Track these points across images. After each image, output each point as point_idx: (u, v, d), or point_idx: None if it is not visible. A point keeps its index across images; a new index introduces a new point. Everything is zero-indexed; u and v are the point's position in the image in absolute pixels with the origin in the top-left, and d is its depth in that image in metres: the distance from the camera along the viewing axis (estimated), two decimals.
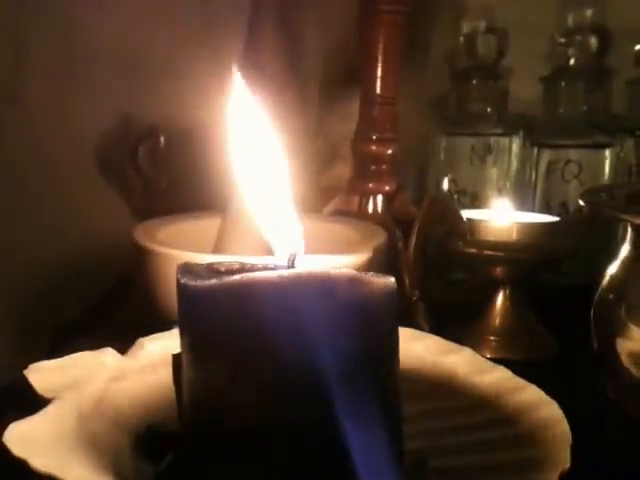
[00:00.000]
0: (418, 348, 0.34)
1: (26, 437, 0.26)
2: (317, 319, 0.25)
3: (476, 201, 0.69)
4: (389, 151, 0.61)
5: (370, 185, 0.61)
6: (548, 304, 0.57)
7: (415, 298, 0.54)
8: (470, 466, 0.29)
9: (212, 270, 0.27)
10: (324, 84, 0.69)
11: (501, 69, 0.72)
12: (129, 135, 0.73)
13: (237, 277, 0.25)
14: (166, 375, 0.30)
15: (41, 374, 0.31)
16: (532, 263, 0.55)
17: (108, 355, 0.34)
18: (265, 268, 0.27)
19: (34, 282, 0.71)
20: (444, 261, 0.59)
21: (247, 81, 0.29)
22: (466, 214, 0.56)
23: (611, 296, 0.42)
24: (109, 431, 0.29)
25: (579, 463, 0.27)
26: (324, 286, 0.25)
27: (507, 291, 0.55)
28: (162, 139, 0.71)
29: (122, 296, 0.64)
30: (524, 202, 0.63)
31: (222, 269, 0.27)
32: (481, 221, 0.55)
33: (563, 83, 0.69)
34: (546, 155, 0.68)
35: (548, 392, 0.31)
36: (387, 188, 0.61)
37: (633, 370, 0.40)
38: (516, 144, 0.70)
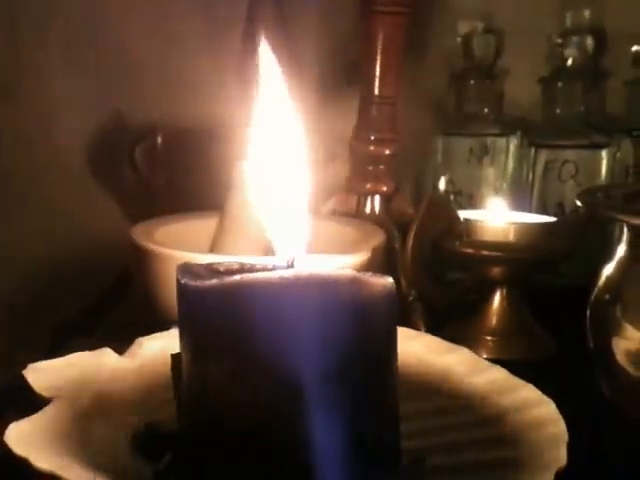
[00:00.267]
0: (415, 348, 0.35)
1: (27, 436, 0.26)
2: (317, 319, 0.25)
3: (473, 201, 0.69)
4: (387, 151, 0.61)
5: (368, 185, 0.61)
6: (545, 304, 0.57)
7: (412, 298, 0.54)
8: (466, 464, 0.29)
9: (212, 270, 0.27)
10: (323, 84, 0.69)
11: (498, 70, 0.72)
12: (126, 134, 0.73)
13: (237, 277, 0.25)
14: (164, 375, 0.30)
15: (40, 374, 0.31)
16: (529, 263, 0.55)
17: (106, 355, 0.34)
18: (264, 268, 0.27)
19: (33, 282, 0.71)
20: (441, 261, 0.59)
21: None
22: (463, 214, 0.56)
23: (607, 296, 0.42)
24: (108, 431, 0.29)
25: (575, 462, 0.27)
26: (324, 286, 0.25)
27: (504, 291, 0.55)
28: (159, 138, 0.71)
29: (120, 296, 0.64)
30: (521, 202, 0.63)
31: (222, 269, 0.27)
32: (478, 221, 0.55)
33: (560, 84, 0.69)
34: (543, 155, 0.68)
35: (545, 392, 0.31)
36: (385, 188, 0.61)
37: (629, 369, 0.40)
38: (513, 144, 0.70)
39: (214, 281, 0.25)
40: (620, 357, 0.40)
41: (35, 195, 0.74)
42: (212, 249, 0.53)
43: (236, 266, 0.27)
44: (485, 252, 0.54)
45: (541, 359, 0.53)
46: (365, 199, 0.62)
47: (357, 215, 0.60)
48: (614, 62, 0.70)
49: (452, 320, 0.55)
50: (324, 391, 0.25)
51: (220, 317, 0.25)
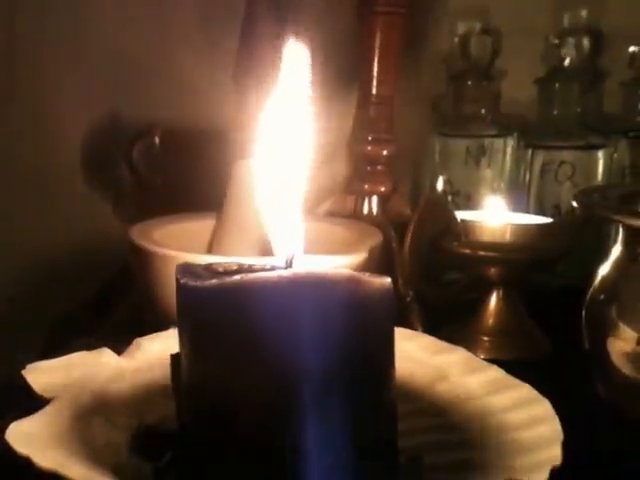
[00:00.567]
0: (412, 348, 0.35)
1: (28, 435, 0.26)
2: (315, 319, 0.25)
3: (470, 202, 0.69)
4: (385, 152, 0.61)
5: (366, 186, 0.62)
6: (542, 304, 0.57)
7: (409, 298, 0.55)
8: (461, 463, 0.29)
9: (211, 270, 0.27)
10: (321, 84, 0.69)
11: (496, 70, 0.72)
12: (124, 135, 0.73)
13: (236, 278, 0.25)
14: (163, 375, 0.30)
15: (39, 374, 0.32)
16: (526, 264, 0.55)
17: (105, 355, 0.34)
18: (263, 269, 0.27)
19: (31, 282, 0.71)
20: (438, 262, 0.59)
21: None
22: (460, 215, 0.57)
23: (602, 296, 0.42)
24: (107, 430, 0.30)
25: (571, 461, 0.27)
26: (322, 287, 0.25)
27: (501, 291, 0.55)
28: (157, 139, 0.71)
29: (118, 295, 0.64)
30: (518, 203, 0.63)
31: (220, 269, 0.27)
32: (475, 222, 0.56)
33: (557, 84, 0.69)
34: (540, 156, 0.68)
35: (541, 391, 0.32)
36: (383, 189, 0.62)
37: (624, 370, 0.40)
38: (510, 145, 0.70)
39: (213, 281, 0.26)
40: (615, 357, 0.40)
41: (30, 195, 0.74)
42: (210, 249, 0.54)
43: (235, 266, 0.28)
44: (482, 252, 0.54)
45: (537, 359, 0.53)
46: (363, 199, 0.62)
47: (355, 215, 0.60)
48: (611, 63, 0.71)
49: (449, 320, 0.56)
50: (322, 390, 0.25)
51: (219, 317, 0.26)
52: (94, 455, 0.27)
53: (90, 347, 0.34)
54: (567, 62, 0.69)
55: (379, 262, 0.50)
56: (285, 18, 0.59)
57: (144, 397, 0.32)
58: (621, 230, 0.42)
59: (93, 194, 0.75)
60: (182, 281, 0.26)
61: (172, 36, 0.73)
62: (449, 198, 0.70)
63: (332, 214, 0.61)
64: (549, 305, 0.58)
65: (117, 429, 0.30)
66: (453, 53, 0.72)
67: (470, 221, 0.56)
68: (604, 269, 0.42)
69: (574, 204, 0.43)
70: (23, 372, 0.32)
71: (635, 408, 0.41)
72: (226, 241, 0.53)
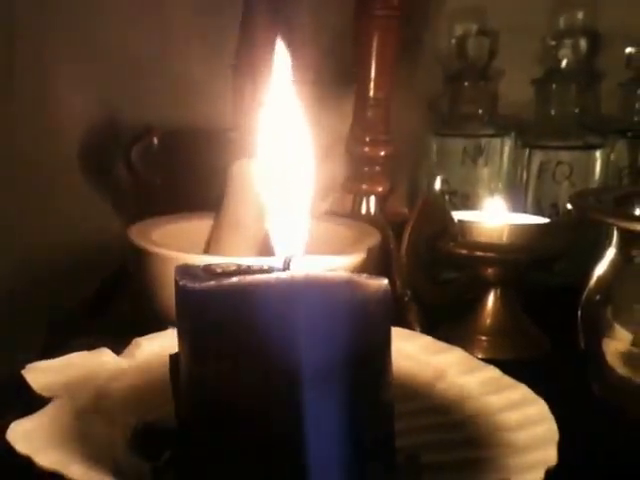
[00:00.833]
0: (409, 348, 0.35)
1: (28, 435, 0.26)
2: (313, 320, 0.26)
3: (468, 202, 0.69)
4: (382, 153, 0.61)
5: (363, 186, 0.62)
6: (539, 304, 0.57)
7: (407, 298, 0.55)
8: (457, 462, 0.29)
9: (209, 271, 0.27)
10: (318, 85, 0.69)
11: (492, 71, 0.72)
12: (123, 135, 0.73)
13: (235, 279, 0.25)
14: (162, 375, 0.30)
15: (39, 374, 0.32)
16: (523, 264, 0.55)
17: (104, 355, 0.34)
18: (261, 270, 0.27)
19: (31, 282, 0.71)
20: (436, 262, 0.59)
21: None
22: (458, 215, 0.57)
23: (598, 297, 0.42)
24: (107, 430, 0.30)
25: (566, 461, 0.27)
26: (320, 288, 0.26)
27: (498, 291, 0.55)
28: (155, 139, 0.71)
29: (117, 295, 0.64)
30: (515, 203, 0.63)
31: (219, 270, 0.27)
32: (473, 222, 0.56)
33: (554, 85, 0.69)
34: (537, 156, 0.68)
35: (538, 391, 0.32)
36: (380, 189, 0.62)
37: (619, 370, 0.40)
38: (508, 145, 0.71)
39: (212, 283, 0.26)
40: (610, 358, 0.41)
41: (29, 195, 0.74)
42: (208, 249, 0.54)
43: (233, 267, 0.28)
44: (479, 253, 0.54)
45: (535, 359, 0.53)
46: (360, 199, 0.62)
47: (352, 215, 0.60)
48: (608, 63, 0.71)
49: (447, 320, 0.56)
50: (321, 391, 0.26)
51: (218, 318, 0.26)
52: (94, 454, 0.27)
53: (90, 347, 0.34)
54: (564, 63, 0.69)
55: (377, 262, 0.50)
56: (283, 21, 0.59)
57: (143, 397, 0.32)
58: (615, 232, 0.42)
59: (92, 194, 0.76)
60: (181, 283, 0.26)
61: (171, 37, 0.73)
62: (446, 198, 0.70)
63: (330, 214, 0.61)
64: (546, 305, 0.58)
65: (116, 428, 0.30)
66: (450, 54, 0.72)
67: (467, 221, 0.56)
68: (599, 270, 0.43)
69: (569, 207, 0.44)
70: (23, 372, 0.32)
71: (630, 408, 0.41)
72: (224, 241, 0.53)
